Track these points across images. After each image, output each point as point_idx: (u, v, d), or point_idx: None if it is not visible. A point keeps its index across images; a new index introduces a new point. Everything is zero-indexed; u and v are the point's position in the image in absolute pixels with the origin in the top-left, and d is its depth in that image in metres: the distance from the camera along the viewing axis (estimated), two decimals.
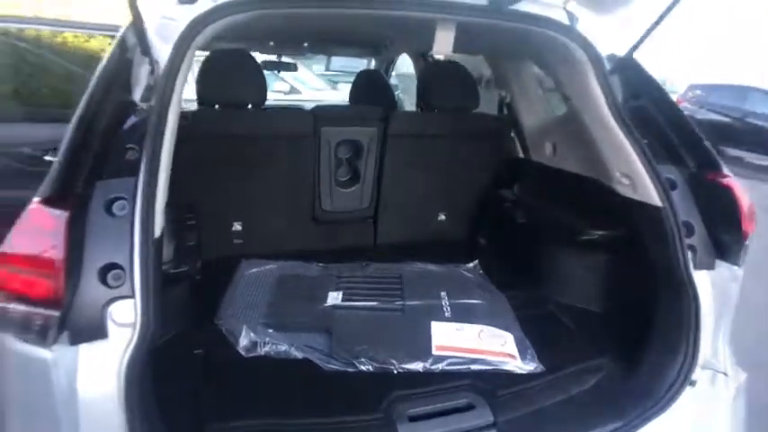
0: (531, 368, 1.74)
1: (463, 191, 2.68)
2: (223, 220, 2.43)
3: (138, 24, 1.38)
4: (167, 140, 1.37)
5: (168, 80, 1.40)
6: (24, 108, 3.79)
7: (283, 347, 1.75)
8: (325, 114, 2.48)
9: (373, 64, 4.28)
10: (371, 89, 3.20)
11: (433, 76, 2.65)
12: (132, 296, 1.20)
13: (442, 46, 1.73)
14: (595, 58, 1.75)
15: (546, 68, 2.16)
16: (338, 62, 4.06)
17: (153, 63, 1.44)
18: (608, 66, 1.77)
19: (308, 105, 2.68)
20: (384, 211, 2.59)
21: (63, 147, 1.25)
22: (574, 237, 2.08)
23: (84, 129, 1.28)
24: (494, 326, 1.92)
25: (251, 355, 1.74)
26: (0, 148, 2.52)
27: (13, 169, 2.49)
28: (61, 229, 1.15)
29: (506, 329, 1.91)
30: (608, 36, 1.85)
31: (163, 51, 1.43)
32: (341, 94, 6.63)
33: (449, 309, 2.01)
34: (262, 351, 1.75)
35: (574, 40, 1.75)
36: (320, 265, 2.35)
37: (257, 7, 1.46)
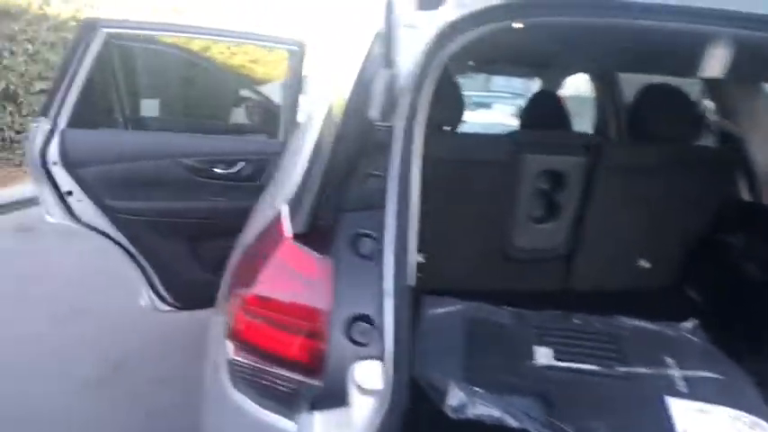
0: None
1: (675, 234, 2.30)
2: None
3: (388, 33, 1.20)
4: (415, 166, 1.18)
5: (413, 97, 1.21)
6: (189, 119, 3.90)
7: (497, 413, 1.52)
8: (527, 140, 2.22)
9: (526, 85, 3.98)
10: (547, 112, 2.90)
11: (649, 100, 2.31)
12: (381, 357, 1.01)
13: (713, 66, 1.41)
14: None
15: None
16: (498, 82, 3.84)
17: (394, 77, 1.25)
18: None
19: None
20: (582, 252, 2.27)
21: (306, 172, 1.09)
22: None
23: (329, 153, 1.12)
24: (744, 410, 1.57)
25: (459, 416, 1.52)
26: (175, 158, 2.49)
27: (191, 182, 2.46)
28: (326, 277, 0.98)
29: (761, 416, 1.55)
30: None
31: (405, 64, 1.25)
32: (477, 116, 6.38)
33: (683, 382, 1.68)
34: (471, 414, 1.52)
35: None
36: (512, 310, 2.09)
37: (537, 14, 1.21)
